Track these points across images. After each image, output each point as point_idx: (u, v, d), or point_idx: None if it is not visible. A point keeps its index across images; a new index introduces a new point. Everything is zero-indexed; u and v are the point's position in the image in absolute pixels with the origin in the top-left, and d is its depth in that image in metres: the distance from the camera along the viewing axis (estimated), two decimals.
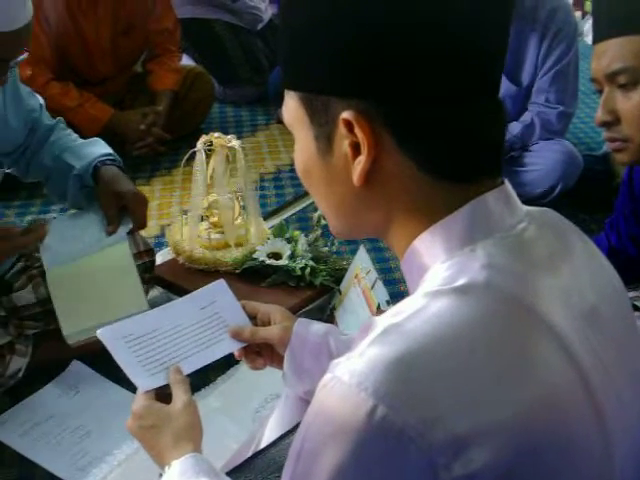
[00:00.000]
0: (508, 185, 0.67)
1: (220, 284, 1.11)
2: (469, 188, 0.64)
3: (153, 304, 1.54)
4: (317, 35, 0.63)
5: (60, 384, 1.61)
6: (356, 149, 0.63)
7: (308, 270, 1.74)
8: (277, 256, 1.79)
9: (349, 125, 0.62)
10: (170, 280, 1.78)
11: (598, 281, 0.69)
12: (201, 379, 1.55)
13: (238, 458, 1.00)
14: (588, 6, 4.00)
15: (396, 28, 0.59)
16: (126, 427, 0.95)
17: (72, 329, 1.53)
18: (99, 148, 1.64)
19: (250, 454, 0.98)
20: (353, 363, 0.56)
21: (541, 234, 0.66)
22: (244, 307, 1.08)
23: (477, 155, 0.64)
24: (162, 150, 2.69)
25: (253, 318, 1.08)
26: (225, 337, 1.05)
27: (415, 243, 0.65)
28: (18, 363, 1.52)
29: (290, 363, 1.01)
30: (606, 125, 1.17)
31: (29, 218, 2.34)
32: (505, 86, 2.25)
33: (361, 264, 1.66)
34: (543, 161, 2.32)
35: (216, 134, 1.82)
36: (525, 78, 2.33)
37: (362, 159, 0.63)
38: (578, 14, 4.44)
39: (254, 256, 1.78)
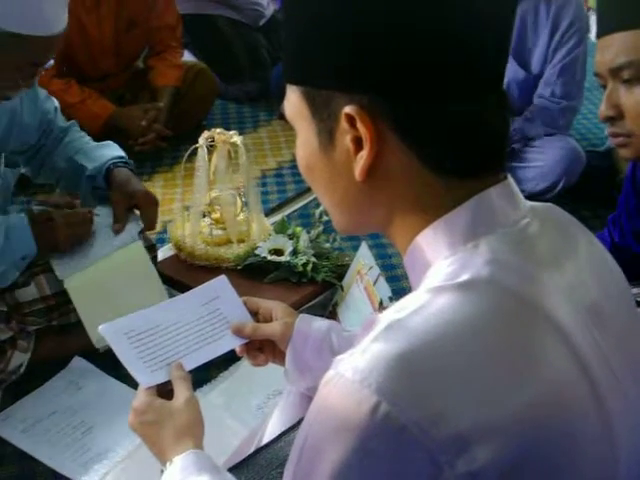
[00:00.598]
0: (511, 180, 0.67)
1: (222, 280, 1.11)
2: (472, 183, 0.64)
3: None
4: (320, 30, 0.62)
5: (62, 380, 1.61)
6: (358, 144, 0.63)
7: (310, 266, 1.74)
8: (279, 252, 1.79)
9: (351, 120, 0.62)
10: (172, 276, 1.78)
11: (601, 277, 0.69)
12: (203, 375, 1.56)
13: (239, 454, 1.00)
14: (592, 2, 3.98)
15: (400, 23, 0.59)
16: (128, 423, 0.95)
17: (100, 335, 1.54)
18: (112, 151, 1.69)
19: (252, 450, 0.98)
20: (356, 360, 0.56)
21: (544, 230, 0.66)
22: (246, 303, 1.08)
23: (480, 150, 0.64)
24: (164, 146, 2.69)
25: (255, 314, 1.07)
26: (227, 333, 1.04)
27: (418, 239, 0.65)
28: (20, 359, 1.53)
29: (292, 359, 1.00)
30: (610, 120, 1.16)
31: None
32: (512, 70, 2.25)
33: (363, 260, 1.66)
34: (546, 157, 2.32)
35: (218, 130, 1.82)
36: (535, 67, 2.33)
37: (364, 154, 0.62)
38: None
39: (256, 252, 1.78)
